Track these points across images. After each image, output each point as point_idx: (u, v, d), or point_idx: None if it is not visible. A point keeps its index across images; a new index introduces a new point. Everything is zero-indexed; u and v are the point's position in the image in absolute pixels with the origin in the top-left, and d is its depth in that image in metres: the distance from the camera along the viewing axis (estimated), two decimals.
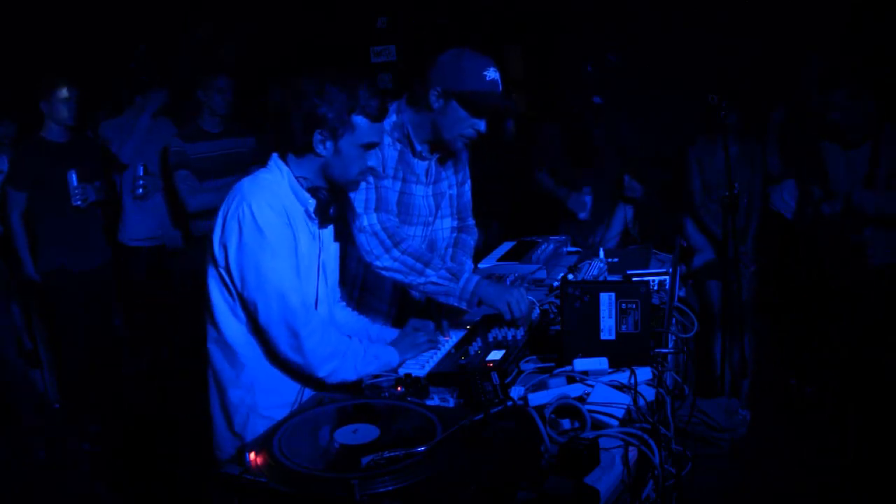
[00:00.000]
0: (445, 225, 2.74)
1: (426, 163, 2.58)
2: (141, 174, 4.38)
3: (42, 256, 4.11)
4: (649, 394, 1.87)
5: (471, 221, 2.84)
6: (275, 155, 2.08)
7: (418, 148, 2.52)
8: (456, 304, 2.38)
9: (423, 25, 6.01)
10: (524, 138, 5.20)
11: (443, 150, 2.58)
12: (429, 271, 2.38)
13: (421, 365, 2.07)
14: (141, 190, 4.40)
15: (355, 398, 1.82)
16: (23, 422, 4.10)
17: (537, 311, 2.41)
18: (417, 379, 1.91)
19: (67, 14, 5.14)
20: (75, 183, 4.03)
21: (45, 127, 4.09)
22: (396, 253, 2.41)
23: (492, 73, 2.38)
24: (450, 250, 2.74)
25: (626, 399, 1.81)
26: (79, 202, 4.05)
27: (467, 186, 2.81)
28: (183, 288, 4.33)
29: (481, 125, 2.43)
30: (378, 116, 2.01)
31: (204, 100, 4.27)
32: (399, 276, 2.42)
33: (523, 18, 5.69)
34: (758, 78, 4.58)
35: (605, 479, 1.55)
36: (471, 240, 2.81)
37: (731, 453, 3.65)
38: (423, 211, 2.61)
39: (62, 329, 4.23)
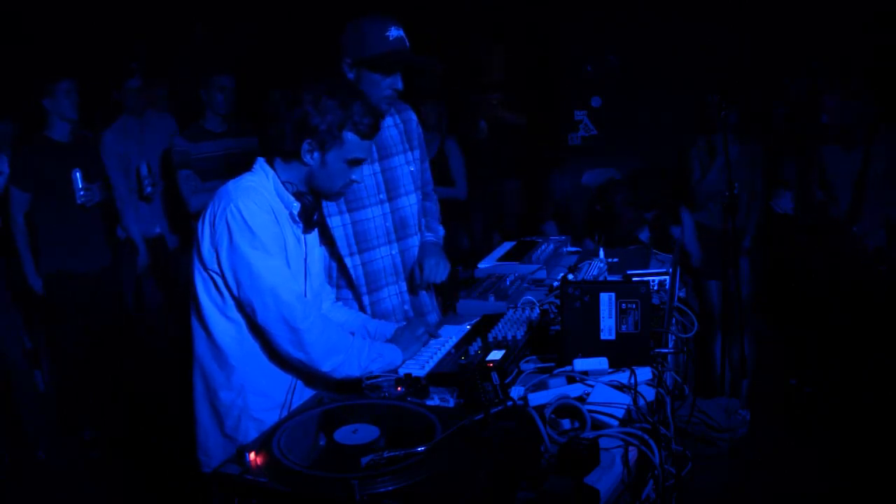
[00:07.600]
0: (412, 202, 2.69)
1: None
2: (146, 174, 4.41)
3: (44, 258, 4.08)
4: (649, 394, 1.87)
5: (429, 188, 2.88)
6: (261, 159, 2.09)
7: None
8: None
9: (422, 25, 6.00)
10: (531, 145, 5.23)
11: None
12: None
13: (421, 365, 2.06)
14: (150, 189, 4.44)
15: (355, 398, 1.82)
16: (23, 422, 4.10)
17: (537, 310, 2.41)
18: (417, 379, 1.91)
19: (67, 14, 5.14)
20: (80, 183, 3.99)
21: (48, 126, 4.06)
22: None
23: (394, 32, 2.39)
24: (423, 220, 2.76)
25: (626, 399, 1.81)
26: (84, 202, 4.03)
27: (427, 163, 2.85)
28: (184, 287, 4.32)
29: (398, 83, 2.44)
30: (369, 134, 2.02)
31: (206, 99, 4.27)
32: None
33: (523, 18, 5.69)
34: (758, 78, 4.58)
35: (605, 479, 1.55)
36: (434, 205, 2.89)
37: (731, 453, 3.65)
38: (372, 190, 2.57)
39: (64, 330, 4.22)
